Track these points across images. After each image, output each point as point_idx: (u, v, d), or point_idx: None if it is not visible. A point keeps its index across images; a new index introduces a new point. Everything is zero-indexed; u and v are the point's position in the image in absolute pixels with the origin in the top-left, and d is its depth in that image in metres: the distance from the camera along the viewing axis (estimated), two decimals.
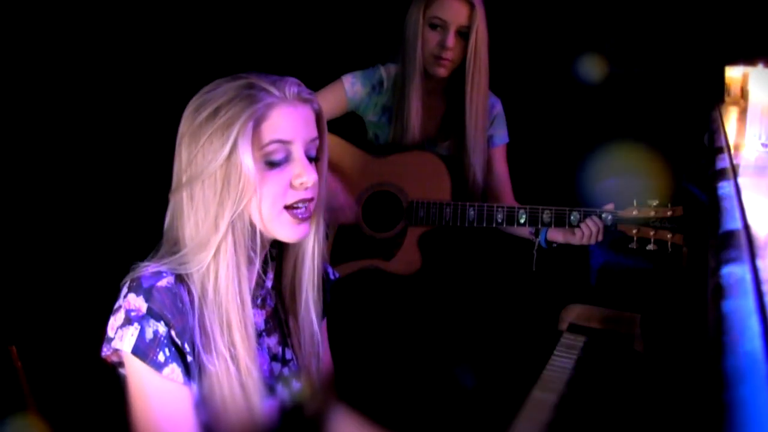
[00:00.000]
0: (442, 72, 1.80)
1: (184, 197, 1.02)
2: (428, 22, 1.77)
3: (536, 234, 1.82)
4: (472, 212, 1.79)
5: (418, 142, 1.85)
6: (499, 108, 1.94)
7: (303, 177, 1.02)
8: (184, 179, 1.01)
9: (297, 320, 1.15)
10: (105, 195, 2.34)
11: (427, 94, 1.86)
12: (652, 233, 1.67)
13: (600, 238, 1.72)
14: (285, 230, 1.04)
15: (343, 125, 1.90)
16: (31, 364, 1.17)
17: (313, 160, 1.06)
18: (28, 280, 2.11)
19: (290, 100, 1.01)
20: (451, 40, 1.75)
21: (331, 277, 1.26)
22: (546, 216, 1.74)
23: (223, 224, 1.00)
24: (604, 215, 1.71)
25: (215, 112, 0.98)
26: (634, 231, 1.68)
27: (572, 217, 1.72)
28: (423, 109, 1.84)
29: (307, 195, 1.04)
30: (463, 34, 1.77)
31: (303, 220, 1.04)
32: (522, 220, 1.76)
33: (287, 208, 1.03)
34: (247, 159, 0.97)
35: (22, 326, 1.27)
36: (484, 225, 1.78)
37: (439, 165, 1.83)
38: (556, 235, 1.79)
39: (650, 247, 1.67)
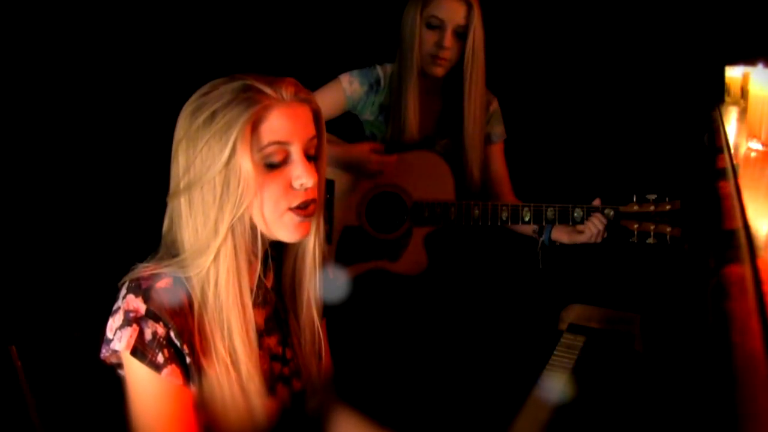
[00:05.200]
0: (439, 71, 1.80)
1: (182, 202, 1.01)
2: (425, 21, 1.77)
3: (540, 233, 1.82)
4: (476, 211, 1.80)
5: (415, 140, 1.85)
6: (495, 105, 1.94)
7: (303, 178, 1.01)
8: (182, 184, 1.01)
9: (298, 320, 1.15)
10: (104, 195, 2.34)
11: (424, 93, 1.86)
12: (652, 227, 1.70)
13: (605, 235, 1.74)
14: (287, 231, 1.04)
15: (339, 123, 1.90)
16: (31, 364, 1.17)
17: (312, 159, 1.06)
18: (28, 280, 2.11)
19: (288, 101, 1.00)
20: (448, 39, 1.75)
21: (330, 276, 1.25)
22: (550, 212, 1.76)
23: (223, 228, 0.99)
24: (606, 211, 1.73)
25: (212, 116, 0.97)
26: (636, 226, 1.72)
27: (575, 214, 1.74)
28: (420, 108, 1.84)
29: (309, 196, 1.03)
30: (461, 33, 1.77)
31: (305, 219, 1.04)
32: (527, 218, 1.77)
33: (290, 209, 1.03)
34: (246, 162, 0.97)
35: (22, 326, 1.26)
36: (489, 224, 1.79)
37: (442, 165, 1.83)
38: (561, 236, 1.80)
39: (650, 240, 1.70)
